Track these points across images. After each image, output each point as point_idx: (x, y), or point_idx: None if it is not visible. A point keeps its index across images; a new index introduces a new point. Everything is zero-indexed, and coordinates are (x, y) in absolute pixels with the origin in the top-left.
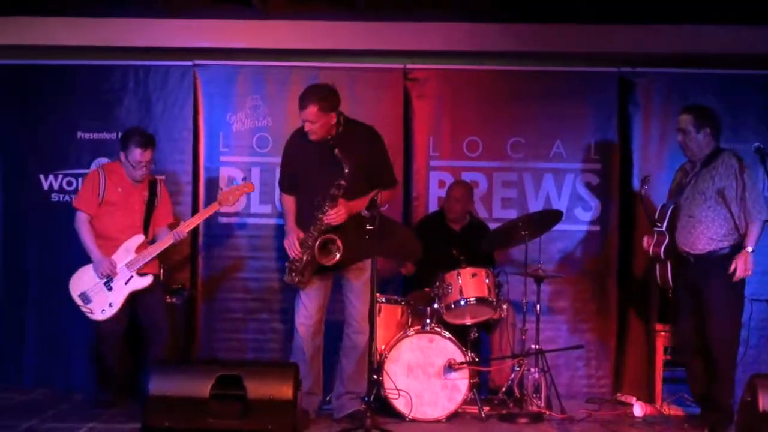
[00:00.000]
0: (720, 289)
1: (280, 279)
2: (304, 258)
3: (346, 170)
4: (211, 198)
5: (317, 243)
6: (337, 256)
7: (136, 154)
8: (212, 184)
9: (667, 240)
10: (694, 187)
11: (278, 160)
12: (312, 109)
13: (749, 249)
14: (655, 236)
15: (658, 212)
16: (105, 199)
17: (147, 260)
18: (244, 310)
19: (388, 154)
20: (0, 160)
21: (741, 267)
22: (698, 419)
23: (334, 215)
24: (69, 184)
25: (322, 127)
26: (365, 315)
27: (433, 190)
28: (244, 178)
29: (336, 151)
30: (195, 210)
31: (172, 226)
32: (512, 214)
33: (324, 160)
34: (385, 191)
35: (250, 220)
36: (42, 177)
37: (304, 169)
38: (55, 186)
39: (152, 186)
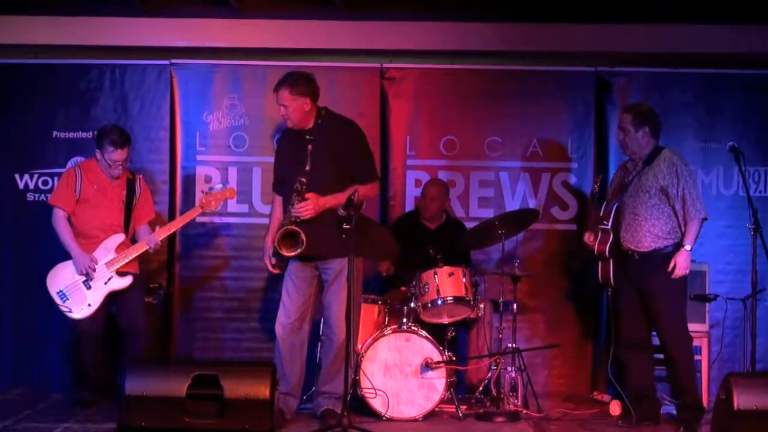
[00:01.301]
0: (665, 287)
1: (258, 278)
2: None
3: (307, 167)
4: (188, 197)
5: (280, 231)
6: (299, 249)
7: (111, 152)
8: (189, 183)
9: (611, 238)
10: (638, 185)
11: (255, 159)
12: (284, 93)
13: (687, 247)
14: (600, 234)
15: (602, 210)
16: (81, 196)
17: (127, 260)
18: (222, 309)
19: (369, 149)
20: None
21: (680, 265)
22: (679, 420)
23: (302, 209)
24: (45, 183)
25: (295, 111)
26: (341, 315)
27: (410, 190)
28: (226, 183)
29: (309, 147)
30: (172, 208)
31: (154, 224)
32: (489, 213)
33: (302, 157)
34: (363, 186)
35: (228, 220)
36: (17, 176)
37: (288, 168)
38: (31, 185)
39: (131, 183)
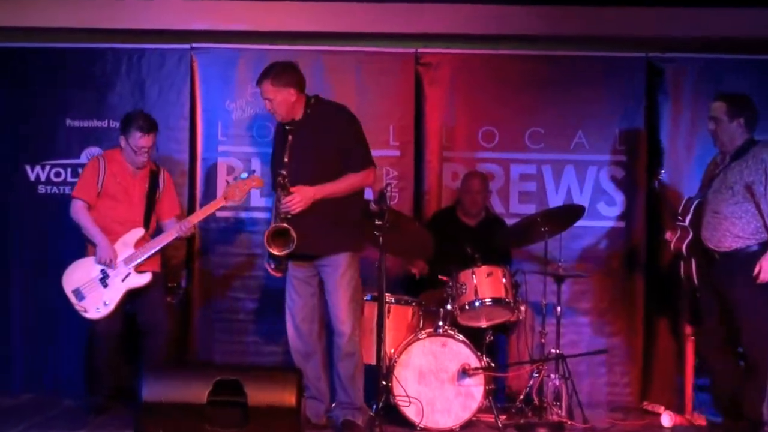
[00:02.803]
0: (747, 290)
1: (284, 278)
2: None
3: (286, 159)
4: (209, 190)
5: (268, 231)
6: (290, 247)
7: (138, 138)
8: (210, 175)
9: (690, 236)
10: (723, 181)
11: None
12: (266, 85)
13: None
14: (678, 231)
15: (682, 206)
16: (103, 189)
17: (146, 256)
18: (245, 310)
19: (362, 135)
20: None
21: (765, 269)
22: (722, 429)
23: (289, 203)
24: (57, 175)
25: (281, 105)
26: (344, 317)
27: (447, 184)
28: (253, 172)
29: (289, 138)
30: (192, 202)
31: (180, 218)
32: (531, 209)
33: (294, 147)
34: (357, 174)
35: (250, 215)
36: (28, 168)
37: (278, 164)
38: (42, 177)
39: (154, 176)
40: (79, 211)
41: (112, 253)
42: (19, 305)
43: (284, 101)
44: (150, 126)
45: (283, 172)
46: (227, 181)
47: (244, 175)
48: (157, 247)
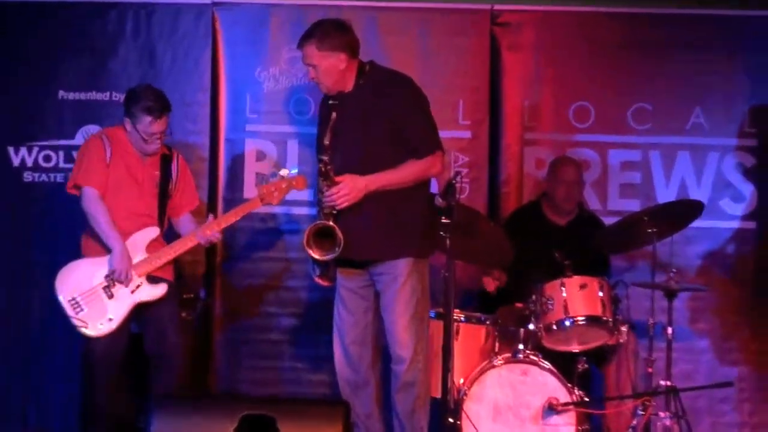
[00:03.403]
0: None
1: (328, 288)
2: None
3: (326, 141)
4: (234, 180)
5: (308, 230)
6: (335, 251)
7: (147, 123)
8: (236, 162)
9: None
10: None
11: None
12: (310, 49)
13: None
14: None
15: None
16: (108, 174)
17: (162, 263)
18: (280, 328)
19: (428, 112)
20: None
21: None
22: None
23: (334, 196)
24: (47, 159)
25: (327, 73)
26: (403, 338)
27: (529, 172)
28: (294, 168)
29: (333, 115)
30: (213, 195)
31: (197, 213)
32: (635, 205)
33: (341, 126)
34: (420, 161)
35: (288, 210)
36: (11, 150)
37: (322, 144)
38: (29, 161)
39: (166, 161)
40: (93, 201)
41: (129, 264)
42: None
43: (332, 68)
44: (162, 107)
45: (325, 158)
46: (257, 175)
47: (285, 172)
48: (177, 254)
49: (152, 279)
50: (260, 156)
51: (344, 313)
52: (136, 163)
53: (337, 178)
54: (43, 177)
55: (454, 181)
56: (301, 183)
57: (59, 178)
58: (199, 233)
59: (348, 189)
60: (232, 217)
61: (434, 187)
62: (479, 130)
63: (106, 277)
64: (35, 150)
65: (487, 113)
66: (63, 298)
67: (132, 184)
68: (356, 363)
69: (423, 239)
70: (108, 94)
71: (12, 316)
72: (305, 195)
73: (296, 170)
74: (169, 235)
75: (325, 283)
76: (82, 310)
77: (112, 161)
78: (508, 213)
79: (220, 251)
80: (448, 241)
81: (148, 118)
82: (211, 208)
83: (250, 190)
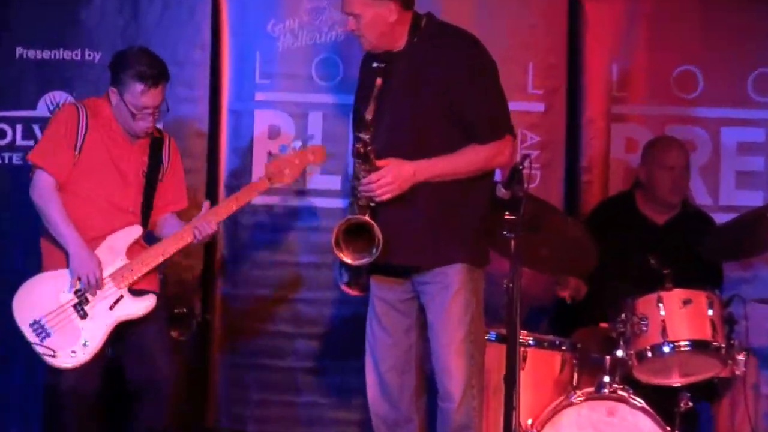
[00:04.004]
0: None
1: (358, 301)
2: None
3: (368, 116)
4: (240, 162)
5: (338, 227)
6: (372, 254)
7: (138, 92)
8: (242, 138)
9: None
10: None
11: (352, 98)
12: None
13: None
14: None
15: None
16: (82, 158)
17: (148, 269)
18: (297, 353)
19: (497, 85)
20: None
21: None
22: None
23: (374, 185)
24: (1, 134)
25: (372, 25)
26: (454, 366)
27: (618, 156)
28: (311, 138)
29: (378, 81)
30: (212, 182)
31: (186, 215)
32: (755, 198)
33: (386, 97)
34: (484, 148)
35: (307, 202)
36: None
37: (362, 118)
38: None
39: (156, 147)
40: (44, 192)
41: (95, 265)
42: None
43: (379, 20)
44: (158, 74)
45: (365, 137)
46: (270, 153)
47: (298, 144)
48: (164, 258)
49: (136, 291)
50: (274, 132)
51: (380, 332)
52: (121, 146)
53: (379, 163)
54: None
55: (521, 167)
56: (319, 155)
57: (16, 159)
58: (194, 226)
59: (391, 177)
60: (233, 204)
61: (497, 175)
62: (554, 102)
63: (77, 292)
64: None
65: (564, 80)
66: (22, 324)
67: (114, 172)
68: (395, 396)
69: (480, 242)
70: (79, 52)
71: None
72: (332, 183)
73: (312, 139)
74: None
75: (354, 293)
76: (47, 335)
77: (88, 140)
78: (590, 207)
79: (219, 253)
80: (513, 243)
81: (140, 87)
82: (210, 194)
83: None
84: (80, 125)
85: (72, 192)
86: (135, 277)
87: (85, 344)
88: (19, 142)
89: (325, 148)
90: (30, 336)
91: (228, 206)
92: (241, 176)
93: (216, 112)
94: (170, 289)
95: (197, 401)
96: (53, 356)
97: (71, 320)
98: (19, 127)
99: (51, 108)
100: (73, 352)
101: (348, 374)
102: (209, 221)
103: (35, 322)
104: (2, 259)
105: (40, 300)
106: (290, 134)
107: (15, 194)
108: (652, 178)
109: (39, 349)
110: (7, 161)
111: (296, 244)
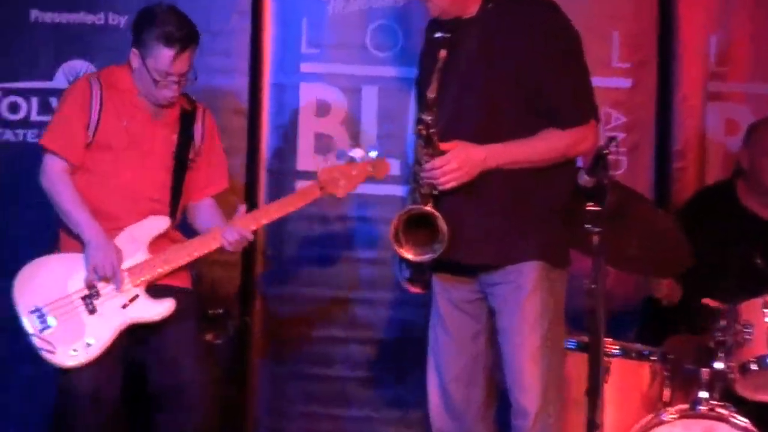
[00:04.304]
0: None
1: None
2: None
3: (431, 94)
4: (285, 145)
5: (398, 219)
6: (435, 249)
7: (163, 57)
8: (286, 117)
9: None
10: None
11: (412, 71)
12: None
13: None
14: None
15: None
16: (97, 137)
17: (171, 269)
18: (348, 360)
19: (580, 61)
20: None
21: None
22: None
23: (438, 171)
24: (14, 108)
25: None
26: (529, 377)
27: (716, 139)
28: (372, 147)
29: (441, 53)
30: (252, 164)
31: (225, 198)
32: None
33: (453, 71)
34: (564, 133)
35: (360, 188)
36: None
37: (424, 96)
38: None
39: (186, 121)
40: (53, 175)
41: (114, 254)
42: None
43: None
44: (187, 36)
45: (428, 117)
46: (325, 158)
47: (359, 153)
48: (189, 259)
49: (155, 291)
50: (322, 109)
51: (444, 337)
52: (142, 121)
53: (444, 146)
54: (8, 135)
55: (605, 151)
56: (381, 169)
57: (31, 136)
58: (226, 232)
59: (458, 162)
60: (274, 212)
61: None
62: (642, 77)
63: (89, 284)
64: None
65: (655, 52)
66: (22, 309)
67: (135, 153)
68: (459, 411)
69: (560, 238)
70: (102, 16)
71: None
72: (392, 169)
73: (375, 153)
74: (184, 228)
75: (417, 290)
76: (47, 326)
77: (104, 117)
78: (683, 198)
79: (261, 246)
80: (596, 238)
81: (166, 51)
82: (250, 180)
83: (306, 159)
84: (93, 100)
85: (87, 177)
86: (155, 276)
87: (88, 344)
88: (34, 117)
89: (389, 164)
90: (29, 324)
91: (269, 213)
92: (284, 159)
93: (256, 87)
94: (204, 287)
95: (234, 413)
96: (51, 352)
97: (77, 313)
98: (34, 101)
99: (70, 79)
100: (75, 350)
101: (406, 385)
102: (245, 228)
103: (36, 309)
104: (18, 246)
105: (44, 284)
106: (342, 111)
107: (31, 175)
108: (756, 165)
109: (37, 342)
110: (21, 138)
111: (349, 237)
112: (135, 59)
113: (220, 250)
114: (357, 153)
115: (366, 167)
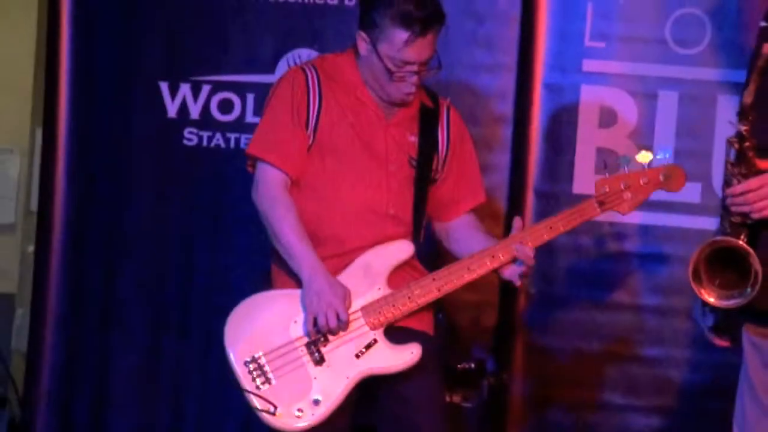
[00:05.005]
0: None
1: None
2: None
3: (747, 100)
4: (556, 159)
5: (699, 254)
6: (749, 290)
7: (399, 42)
8: (562, 127)
9: None
10: None
11: (722, 73)
12: None
13: None
14: None
15: None
16: (318, 138)
17: (425, 303)
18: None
19: None
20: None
21: None
22: None
23: (752, 195)
24: (225, 107)
25: None
26: None
27: None
28: (666, 150)
29: (765, 48)
30: (518, 181)
31: (484, 212)
32: None
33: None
34: None
35: (650, 218)
36: (165, 89)
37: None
38: (194, 111)
39: (428, 120)
40: (269, 190)
41: (340, 300)
42: (120, 347)
43: None
44: (430, 17)
45: (742, 128)
46: (605, 164)
47: (646, 157)
48: (438, 295)
49: (396, 335)
50: (607, 118)
51: (753, 410)
52: (373, 121)
53: (762, 164)
54: (218, 139)
55: None
56: (675, 180)
57: (244, 140)
58: (506, 245)
59: None
60: (544, 232)
61: None
62: None
63: (307, 329)
64: (205, 90)
65: None
66: (234, 356)
67: (364, 158)
68: None
69: None
70: None
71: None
72: (688, 193)
73: (668, 153)
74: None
75: (722, 343)
76: (267, 381)
77: (324, 115)
78: None
79: (522, 289)
80: None
81: (403, 34)
82: (513, 195)
83: (584, 180)
84: (311, 94)
85: (303, 190)
86: (397, 317)
87: (316, 401)
88: (249, 118)
89: (684, 173)
90: (243, 378)
91: (538, 233)
92: (557, 179)
93: (525, 87)
94: (452, 335)
95: None
96: (272, 414)
97: (302, 365)
98: (250, 98)
99: (300, 65)
100: (300, 410)
101: None
102: (526, 244)
103: (253, 359)
104: (230, 277)
105: (264, 327)
106: (631, 121)
107: (244, 188)
108: None
109: (254, 401)
110: (233, 145)
111: (633, 279)
112: (363, 45)
113: (471, 287)
114: (643, 158)
115: (657, 175)
